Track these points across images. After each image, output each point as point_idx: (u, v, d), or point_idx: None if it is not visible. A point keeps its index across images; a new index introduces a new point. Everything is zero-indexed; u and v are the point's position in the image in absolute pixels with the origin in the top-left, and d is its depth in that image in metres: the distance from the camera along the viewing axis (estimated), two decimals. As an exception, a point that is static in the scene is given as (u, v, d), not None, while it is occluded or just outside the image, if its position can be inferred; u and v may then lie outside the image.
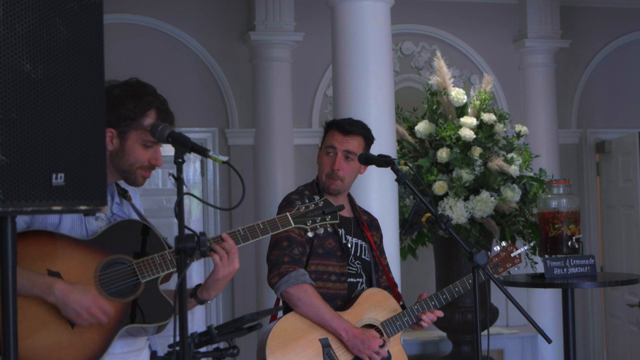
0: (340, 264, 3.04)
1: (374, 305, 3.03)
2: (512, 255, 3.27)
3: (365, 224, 3.18)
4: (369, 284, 3.12)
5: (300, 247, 2.96)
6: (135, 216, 2.39)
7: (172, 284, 2.32)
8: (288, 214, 2.47)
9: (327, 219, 2.52)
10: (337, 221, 2.54)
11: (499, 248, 3.30)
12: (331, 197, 3.05)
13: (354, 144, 3.07)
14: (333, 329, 2.90)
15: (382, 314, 3.04)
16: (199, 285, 2.38)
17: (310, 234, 2.51)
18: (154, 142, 2.30)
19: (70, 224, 2.24)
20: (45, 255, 2.15)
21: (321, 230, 2.52)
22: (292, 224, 2.46)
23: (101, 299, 2.13)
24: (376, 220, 3.31)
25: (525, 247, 3.36)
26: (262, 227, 2.40)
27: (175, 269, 2.26)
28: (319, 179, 3.10)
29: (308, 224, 2.50)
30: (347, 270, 3.05)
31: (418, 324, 3.09)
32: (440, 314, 3.08)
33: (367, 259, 3.14)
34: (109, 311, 2.13)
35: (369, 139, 3.14)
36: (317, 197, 2.55)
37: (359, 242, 3.13)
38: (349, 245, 3.08)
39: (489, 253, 3.20)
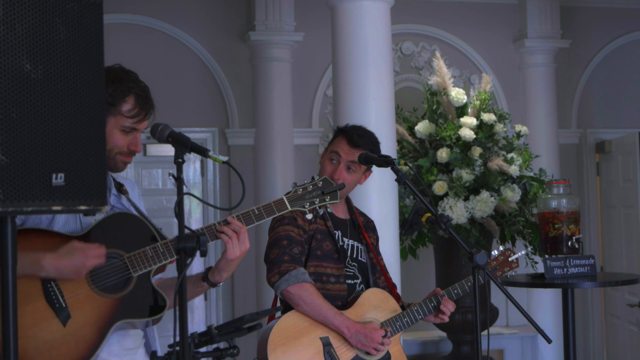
0: (338, 265, 3.04)
1: (375, 306, 3.03)
2: (510, 259, 3.28)
3: (362, 226, 3.18)
4: (366, 285, 3.13)
5: (299, 246, 2.97)
6: (132, 209, 2.38)
7: (169, 272, 2.31)
8: (284, 196, 2.39)
9: (327, 200, 2.42)
10: (337, 201, 2.46)
11: (496, 252, 3.31)
12: None
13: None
14: (335, 327, 2.90)
15: (382, 314, 3.04)
16: (209, 269, 2.35)
17: (309, 216, 2.44)
18: (132, 127, 2.29)
19: (64, 219, 2.23)
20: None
21: (309, 215, 2.43)
22: (289, 207, 2.38)
23: (89, 247, 2.11)
24: (372, 222, 3.32)
25: (523, 252, 3.37)
26: (257, 212, 2.34)
27: (167, 261, 2.24)
28: None
29: (306, 206, 2.40)
30: (345, 272, 3.06)
31: (437, 316, 3.09)
32: (454, 305, 3.09)
33: (364, 260, 3.14)
34: (102, 251, 2.12)
35: (375, 153, 3.10)
36: (316, 177, 2.47)
37: (355, 243, 3.13)
38: (345, 247, 3.09)
39: (488, 254, 3.21)
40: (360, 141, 3.08)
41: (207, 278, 2.34)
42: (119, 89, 2.27)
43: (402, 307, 3.12)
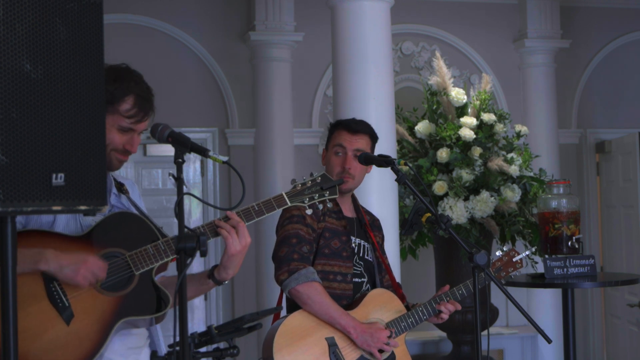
0: (346, 264, 3.05)
1: (380, 306, 3.04)
2: (514, 260, 3.28)
3: (368, 225, 3.18)
4: (372, 284, 3.13)
5: (308, 245, 2.97)
6: (132, 209, 2.38)
7: (170, 271, 2.31)
8: (284, 193, 2.41)
9: (326, 195, 2.44)
10: (337, 196, 2.48)
11: (501, 253, 3.30)
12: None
13: (362, 142, 3.09)
14: (341, 327, 2.91)
15: (387, 314, 3.05)
16: (215, 267, 2.35)
17: (309, 212, 2.46)
18: (130, 127, 2.29)
19: (65, 221, 2.24)
20: None
21: (309, 210, 2.43)
22: (289, 202, 2.40)
23: (93, 256, 2.12)
24: (378, 220, 3.32)
25: (527, 253, 3.37)
26: (257, 208, 2.35)
27: (169, 258, 2.24)
28: None
29: (305, 202, 2.42)
30: (353, 270, 3.06)
31: (438, 317, 3.10)
32: (458, 306, 3.09)
33: (370, 259, 3.15)
34: (103, 266, 2.12)
35: (374, 137, 3.17)
36: (315, 173, 2.48)
37: (362, 242, 3.14)
38: (353, 246, 3.09)
39: (490, 255, 3.20)
40: (359, 127, 3.11)
41: (212, 275, 2.34)
42: (119, 88, 2.26)
43: (407, 307, 3.12)
